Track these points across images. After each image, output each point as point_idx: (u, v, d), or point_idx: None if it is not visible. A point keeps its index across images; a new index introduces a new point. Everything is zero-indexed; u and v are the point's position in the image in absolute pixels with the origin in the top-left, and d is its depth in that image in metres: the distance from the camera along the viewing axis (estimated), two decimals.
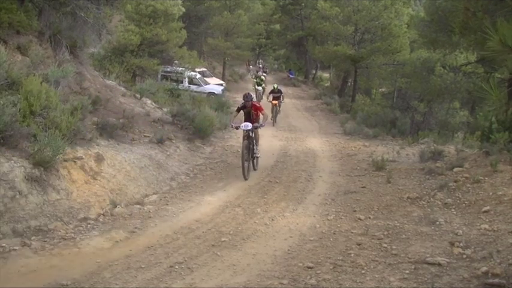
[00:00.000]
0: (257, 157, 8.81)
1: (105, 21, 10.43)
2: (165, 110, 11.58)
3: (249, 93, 8.96)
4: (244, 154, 7.96)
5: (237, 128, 8.46)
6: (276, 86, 15.98)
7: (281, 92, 15.80)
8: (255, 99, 14.79)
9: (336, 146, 11.90)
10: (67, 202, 5.44)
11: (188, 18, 25.44)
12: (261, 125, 8.53)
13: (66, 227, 5.09)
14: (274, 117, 15.02)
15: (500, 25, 3.04)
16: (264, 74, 23.90)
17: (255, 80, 20.94)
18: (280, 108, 16.03)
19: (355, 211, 6.26)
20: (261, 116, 8.76)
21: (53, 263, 4.23)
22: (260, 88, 19.48)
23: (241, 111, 8.76)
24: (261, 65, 34.62)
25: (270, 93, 15.78)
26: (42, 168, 5.32)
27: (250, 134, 8.35)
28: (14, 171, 5.04)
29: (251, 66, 35.65)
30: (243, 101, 8.67)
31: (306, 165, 9.38)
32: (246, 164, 8.09)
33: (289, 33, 33.85)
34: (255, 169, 8.65)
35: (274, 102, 15.26)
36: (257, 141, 8.71)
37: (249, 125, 8.24)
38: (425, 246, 4.76)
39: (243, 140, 8.24)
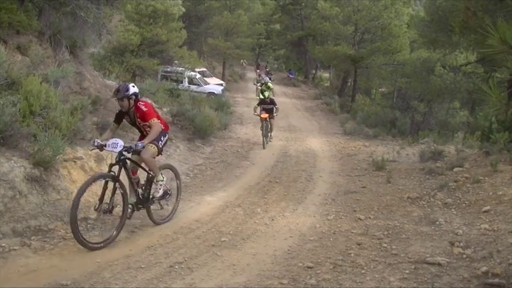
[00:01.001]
0: (155, 201, 5.37)
1: (105, 21, 10.42)
2: (165, 110, 11.58)
3: (123, 84, 5.36)
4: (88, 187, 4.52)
5: (100, 148, 4.87)
6: (267, 95, 12.12)
7: (274, 104, 11.94)
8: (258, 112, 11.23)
9: (336, 146, 11.90)
10: (67, 202, 5.43)
11: (188, 18, 25.45)
12: (138, 145, 4.79)
13: (66, 226, 5.08)
14: (264, 136, 11.48)
15: (500, 24, 3.05)
16: (270, 80, 17.80)
17: (259, 88, 16.98)
18: (273, 126, 12.14)
19: (355, 211, 6.26)
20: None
21: (53, 263, 4.23)
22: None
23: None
24: (267, 68, 30.82)
25: (258, 105, 12.05)
26: (42, 168, 5.31)
27: (127, 160, 4.96)
28: (14, 171, 5.03)
29: (258, 70, 28.30)
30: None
31: (306, 165, 9.38)
32: (108, 214, 4.78)
33: (289, 33, 33.89)
34: (156, 222, 5.39)
35: (263, 116, 11.54)
36: (153, 170, 5.22)
37: (118, 144, 4.75)
38: (425, 246, 4.76)
39: (109, 167, 4.82)
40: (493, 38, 3.06)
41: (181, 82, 19.16)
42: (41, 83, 6.17)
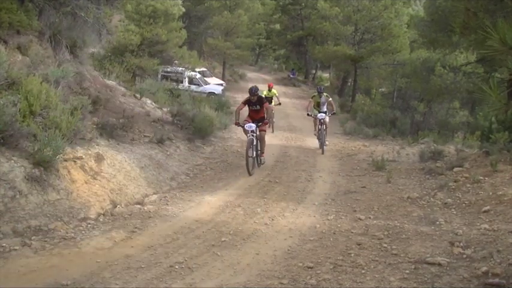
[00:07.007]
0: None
1: (105, 21, 10.45)
2: (165, 110, 11.58)
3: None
4: None
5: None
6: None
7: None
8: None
9: (336, 146, 11.90)
10: (67, 202, 5.44)
11: (188, 18, 25.44)
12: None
13: (66, 226, 5.09)
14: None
15: (500, 25, 3.05)
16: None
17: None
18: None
19: (355, 211, 6.26)
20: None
21: (53, 263, 4.23)
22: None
23: None
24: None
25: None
26: (42, 168, 5.31)
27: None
28: (14, 171, 5.04)
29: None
30: None
31: (306, 165, 9.38)
32: None
33: (289, 33, 33.90)
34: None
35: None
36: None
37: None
38: (425, 246, 4.76)
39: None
40: (493, 39, 3.06)
41: (182, 82, 19.17)
42: (41, 83, 6.17)
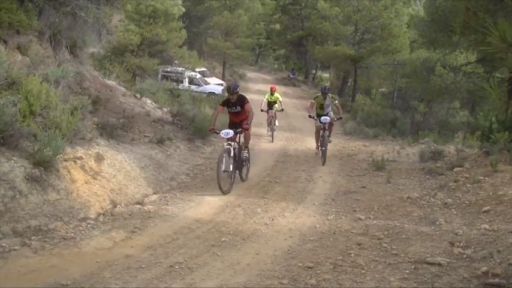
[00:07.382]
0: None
1: (105, 21, 10.45)
2: (165, 110, 11.58)
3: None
4: None
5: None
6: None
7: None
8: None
9: (336, 146, 11.90)
10: (67, 202, 5.44)
11: (188, 18, 25.44)
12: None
13: (66, 226, 5.08)
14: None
15: (500, 23, 3.05)
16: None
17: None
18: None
19: (355, 211, 6.26)
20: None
21: (53, 263, 4.23)
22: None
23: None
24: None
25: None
26: (42, 168, 5.31)
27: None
28: (14, 171, 5.03)
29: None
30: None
31: (306, 165, 9.38)
32: None
33: (289, 33, 33.93)
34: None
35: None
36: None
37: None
38: (425, 246, 4.76)
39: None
40: (493, 37, 3.06)
41: (182, 82, 19.19)
42: (41, 82, 6.17)
